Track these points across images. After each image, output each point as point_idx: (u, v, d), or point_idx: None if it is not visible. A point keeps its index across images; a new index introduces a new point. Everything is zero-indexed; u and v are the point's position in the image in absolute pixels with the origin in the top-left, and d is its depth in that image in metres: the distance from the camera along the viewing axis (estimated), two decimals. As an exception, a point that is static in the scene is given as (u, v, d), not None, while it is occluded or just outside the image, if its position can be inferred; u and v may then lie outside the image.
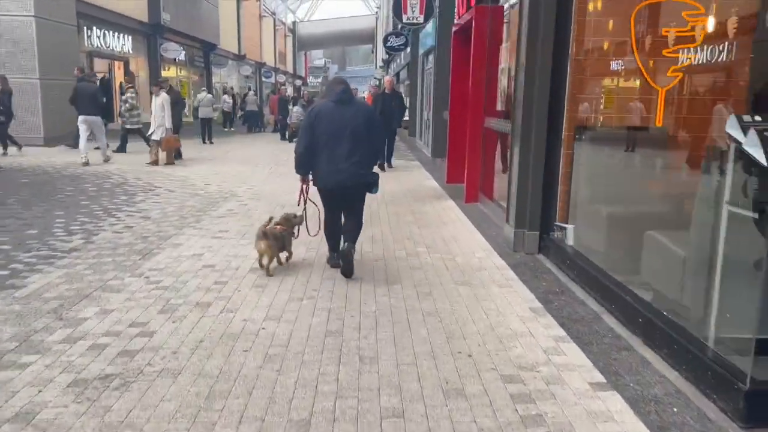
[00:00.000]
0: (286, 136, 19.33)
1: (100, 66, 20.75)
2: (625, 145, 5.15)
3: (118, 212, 7.56)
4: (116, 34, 21.55)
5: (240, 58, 37.96)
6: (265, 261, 5.01)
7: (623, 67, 4.96)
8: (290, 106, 19.76)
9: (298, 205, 5.33)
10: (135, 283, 4.80)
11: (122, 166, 12.06)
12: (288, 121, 18.96)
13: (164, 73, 26.33)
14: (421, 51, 16.92)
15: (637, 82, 4.97)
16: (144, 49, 24.46)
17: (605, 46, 5.21)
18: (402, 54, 24.31)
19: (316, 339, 3.71)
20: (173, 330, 3.85)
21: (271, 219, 5.26)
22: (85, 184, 9.77)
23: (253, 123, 23.95)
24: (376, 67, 56.65)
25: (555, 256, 5.32)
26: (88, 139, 12.27)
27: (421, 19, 12.61)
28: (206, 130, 17.73)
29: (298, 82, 56.72)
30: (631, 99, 5.04)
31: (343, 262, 4.86)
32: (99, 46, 20.29)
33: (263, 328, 3.87)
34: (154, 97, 12.37)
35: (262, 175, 11.37)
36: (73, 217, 7.19)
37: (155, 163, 12.20)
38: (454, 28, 10.07)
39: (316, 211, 5.25)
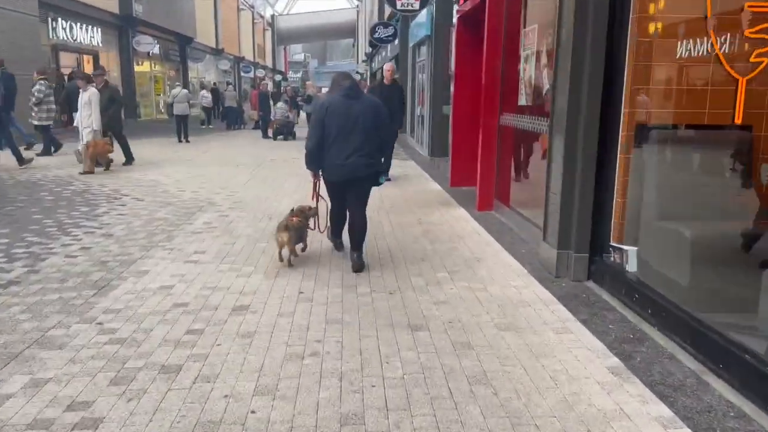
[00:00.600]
0: (268, 134, 18.13)
1: (66, 60, 19.35)
2: (700, 147, 4.14)
3: (75, 228, 6.37)
4: (84, 26, 20.13)
5: (218, 52, 36.53)
6: (285, 253, 5.06)
7: (696, 52, 3.93)
8: (272, 102, 18.57)
9: (312, 199, 5.38)
10: (83, 333, 3.67)
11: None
12: (271, 118, 17.76)
13: (138, 68, 24.96)
14: (411, 42, 15.82)
15: (715, 70, 3.96)
16: (115, 43, 23.05)
17: (673, 25, 4.17)
18: (389, 46, 23.19)
19: (328, 430, 2.63)
20: (127, 416, 2.74)
21: (292, 210, 5.29)
22: (41, 192, 8.54)
23: (232, 120, 22.68)
24: (357, 62, 55.36)
25: (612, 286, 4.28)
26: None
27: (416, 6, 11.54)
28: (182, 127, 16.47)
29: (278, 77, 55.28)
30: (707, 90, 4.03)
31: (354, 267, 4.94)
32: (65, 38, 18.87)
33: (252, 412, 2.78)
34: (81, 92, 10.32)
35: (243, 178, 10.21)
36: (19, 237, 6.00)
37: (90, 171, 10.27)
38: (456, 15, 9.01)
39: (325, 207, 5.36)
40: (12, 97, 11.59)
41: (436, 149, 11.44)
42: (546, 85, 5.48)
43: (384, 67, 9.70)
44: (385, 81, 9.46)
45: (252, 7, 47.70)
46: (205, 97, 24.06)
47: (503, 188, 7.09)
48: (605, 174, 4.42)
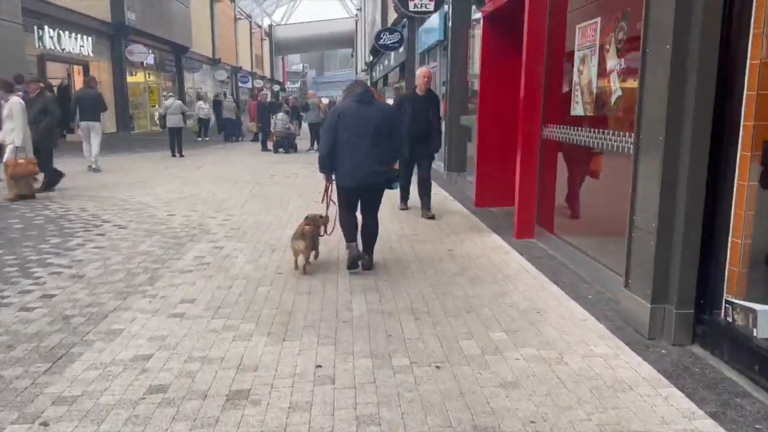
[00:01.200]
0: (268, 146, 17.07)
1: (54, 71, 18.31)
2: None
3: (39, 268, 5.28)
4: (74, 34, 19.11)
5: (214, 62, 35.57)
6: (300, 261, 5.09)
7: None
8: (271, 114, 17.54)
9: (322, 202, 5.34)
10: (15, 446, 2.58)
11: (72, 190, 9.72)
12: (271, 129, 16.71)
13: (131, 78, 23.95)
14: (419, 49, 14.81)
15: None
16: (107, 52, 22.03)
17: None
18: (393, 54, 22.21)
19: None
20: None
21: (306, 217, 5.32)
22: (10, 219, 7.45)
23: (230, 132, 21.61)
24: (357, 71, 54.50)
25: (734, 357, 3.20)
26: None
27: (431, 7, 10.51)
28: (175, 141, 15.39)
29: (276, 87, 54.34)
30: None
31: (364, 268, 5.08)
32: (52, 48, 17.84)
33: None
34: (2, 102, 8.78)
35: (241, 197, 9.13)
36: (-32, 280, 4.91)
37: (18, 198, 8.59)
38: (480, 14, 7.98)
39: (335, 212, 5.34)
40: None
41: (453, 163, 10.39)
42: (616, 91, 4.42)
43: (418, 73, 7.79)
44: (418, 91, 7.36)
45: (249, 16, 46.84)
46: (202, 108, 23.01)
47: (546, 212, 6.03)
48: (718, 206, 3.35)
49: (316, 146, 17.33)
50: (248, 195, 9.41)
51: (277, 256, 5.69)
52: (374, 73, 35.53)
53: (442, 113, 12.43)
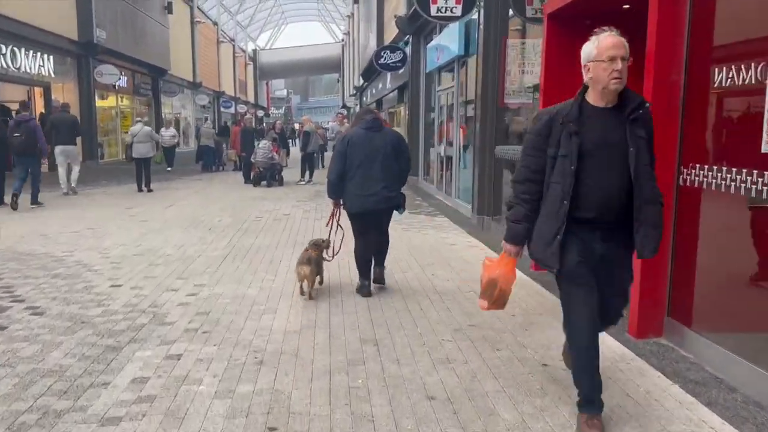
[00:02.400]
0: (251, 178, 14.85)
1: (9, 93, 16.03)
2: None
3: None
4: (33, 53, 16.86)
5: (195, 86, 33.41)
6: (306, 287, 5.01)
7: None
8: (256, 141, 15.39)
9: (327, 226, 5.40)
10: None
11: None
12: (252, 159, 14.47)
13: (101, 102, 21.70)
14: (428, 68, 12.81)
15: None
16: (73, 73, 19.78)
17: None
18: (388, 76, 20.25)
19: None
20: None
21: (310, 242, 5.36)
22: None
23: (209, 161, 19.32)
24: (344, 97, 52.72)
25: None
26: None
27: (457, 11, 8.46)
28: (142, 173, 13.09)
29: (260, 113, 52.29)
30: None
31: (375, 282, 5.21)
32: (6, 67, 15.55)
33: None
34: None
35: (216, 253, 6.91)
36: None
37: None
38: (543, 13, 5.95)
39: (340, 235, 5.31)
40: None
41: (484, 205, 8.26)
42: None
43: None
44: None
45: (233, 40, 44.93)
46: (164, 136, 19.95)
47: (682, 297, 3.89)
48: None
49: (308, 177, 15.17)
50: (226, 248, 7.18)
51: (265, 377, 3.48)
52: (365, 98, 33.63)
53: (460, 140, 10.46)
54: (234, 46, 45.00)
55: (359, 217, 5.09)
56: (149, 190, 13.06)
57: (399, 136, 5.30)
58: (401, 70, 15.09)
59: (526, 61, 7.72)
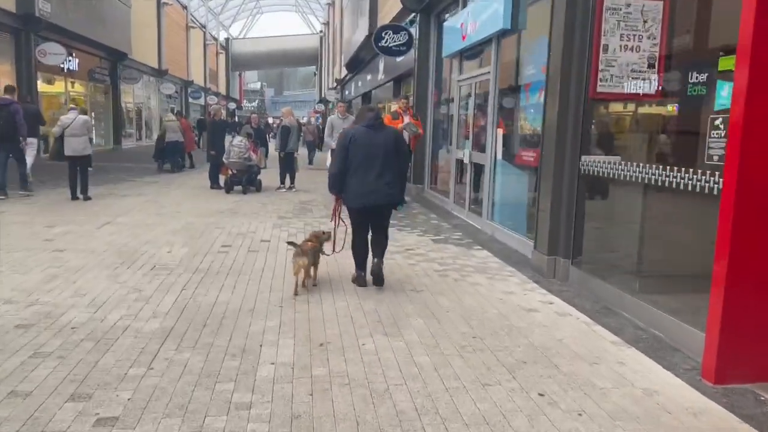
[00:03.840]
0: (219, 182, 11.95)
1: None
2: None
3: None
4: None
5: (160, 73, 30.12)
6: (301, 277, 4.93)
7: None
8: (229, 136, 12.52)
9: (331, 221, 5.44)
10: None
11: None
12: (225, 159, 11.54)
13: (45, 87, 18.52)
14: (447, 51, 10.11)
15: None
16: (10, 51, 16.56)
17: None
18: (381, 65, 17.49)
19: None
20: None
21: (311, 233, 5.30)
22: None
23: (174, 160, 16.23)
24: (322, 91, 49.66)
25: None
26: None
27: None
28: (77, 176, 10.03)
29: (232, 105, 48.93)
30: None
31: (374, 277, 5.15)
32: None
33: None
34: None
35: (154, 326, 4.11)
36: None
37: None
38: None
39: (341, 231, 5.34)
40: None
41: (558, 242, 5.61)
42: None
43: None
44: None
45: (204, 27, 41.54)
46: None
47: None
48: None
49: (288, 182, 12.35)
50: (171, 314, 4.38)
51: None
52: (347, 92, 30.77)
53: (496, 143, 7.88)
54: (205, 33, 41.63)
55: (359, 212, 5.15)
56: (86, 198, 10.07)
57: (399, 135, 5.40)
58: (401, 57, 12.35)
59: (633, 33, 5.13)
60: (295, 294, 4.84)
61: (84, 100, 21.43)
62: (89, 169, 10.46)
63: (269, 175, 12.96)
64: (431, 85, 11.52)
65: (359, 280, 5.20)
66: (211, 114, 12.87)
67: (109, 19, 22.22)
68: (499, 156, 7.83)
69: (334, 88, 34.36)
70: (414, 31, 11.82)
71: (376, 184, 4.98)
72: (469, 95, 9.24)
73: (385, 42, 11.86)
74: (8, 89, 11.02)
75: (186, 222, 8.26)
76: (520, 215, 7.38)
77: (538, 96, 6.86)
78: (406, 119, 9.52)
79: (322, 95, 47.23)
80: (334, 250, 5.40)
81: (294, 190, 12.26)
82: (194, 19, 38.32)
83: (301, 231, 7.72)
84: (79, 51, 20.68)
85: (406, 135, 8.99)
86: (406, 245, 7.03)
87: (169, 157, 16.04)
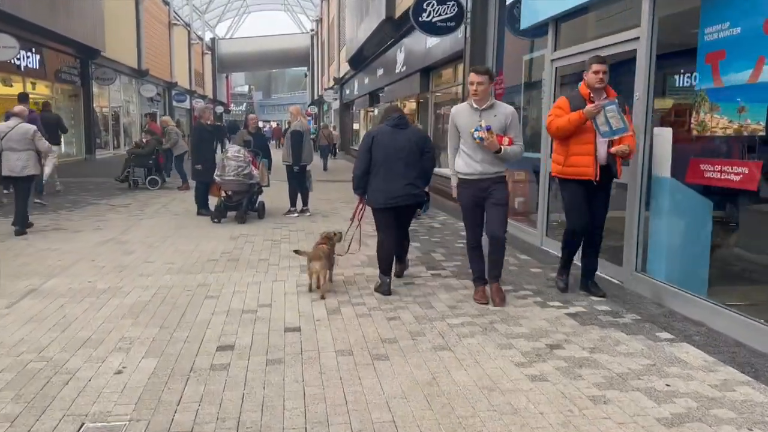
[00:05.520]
0: (209, 206, 8.84)
1: None
2: None
3: None
4: None
5: (141, 74, 26.83)
6: (314, 281, 4.83)
7: None
8: (219, 144, 9.39)
9: (351, 221, 5.36)
10: None
11: None
12: (217, 177, 8.36)
13: (0, 88, 15.24)
14: (529, 20, 7.08)
15: None
16: (-53, 44, 13.32)
17: None
18: (399, 56, 14.42)
19: None
20: None
21: (321, 235, 5.18)
22: None
23: (158, 174, 12.99)
24: (312, 93, 46.47)
25: None
26: None
27: None
28: (20, 201, 6.86)
29: (220, 109, 45.62)
30: None
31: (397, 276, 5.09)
32: None
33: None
34: None
35: None
36: None
37: None
38: None
39: (357, 233, 5.32)
40: None
41: None
42: None
43: None
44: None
45: (188, 25, 38.23)
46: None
47: None
48: None
49: (300, 204, 9.25)
50: None
51: None
52: (347, 91, 27.67)
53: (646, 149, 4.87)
54: (189, 31, 38.31)
55: (383, 212, 4.92)
56: (19, 232, 6.92)
57: (424, 135, 5.22)
58: (448, 34, 9.28)
59: None
60: (309, 290, 4.85)
61: (47, 102, 18.12)
62: (37, 201, 7.49)
63: (271, 193, 9.88)
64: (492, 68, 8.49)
65: (383, 287, 4.88)
66: (197, 116, 9.57)
67: (78, 11, 18.93)
68: (663, 171, 4.81)
69: (332, 88, 31.25)
70: (466, 0, 8.79)
71: (400, 184, 4.80)
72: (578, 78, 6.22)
73: (428, 16, 8.80)
74: (21, 98, 10.14)
75: (159, 286, 5.11)
76: (701, 267, 4.41)
77: (751, 73, 3.92)
78: (601, 119, 4.57)
79: (315, 97, 44.08)
80: (347, 250, 5.42)
81: (308, 214, 9.17)
82: (177, 16, 35.03)
83: (347, 301, 4.67)
84: (42, 46, 17.45)
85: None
86: (537, 331, 4.00)
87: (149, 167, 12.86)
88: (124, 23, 24.92)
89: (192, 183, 9.52)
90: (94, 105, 22.07)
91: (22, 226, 7.13)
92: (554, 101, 6.44)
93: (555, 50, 6.64)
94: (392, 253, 5.00)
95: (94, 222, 8.33)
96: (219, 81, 51.11)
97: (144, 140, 13.07)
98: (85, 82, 20.99)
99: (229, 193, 8.33)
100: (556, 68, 6.60)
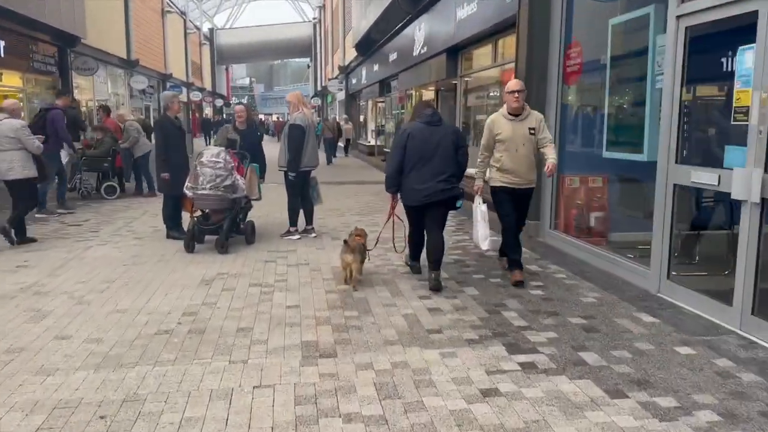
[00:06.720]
0: (181, 227, 6.63)
1: None
2: None
3: None
4: None
5: (130, 64, 24.57)
6: (347, 272, 4.79)
7: None
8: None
9: (387, 220, 5.29)
10: None
11: None
12: (187, 190, 6.08)
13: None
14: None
15: None
16: None
17: None
18: (418, 32, 12.13)
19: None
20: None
21: (355, 228, 5.14)
22: None
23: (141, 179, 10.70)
24: (315, 85, 44.11)
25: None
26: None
27: None
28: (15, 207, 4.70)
29: (219, 102, 43.33)
30: None
31: (433, 290, 4.77)
32: None
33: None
34: None
35: None
36: None
37: None
38: None
39: (403, 228, 5.26)
40: None
41: None
42: None
43: None
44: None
45: (184, 14, 35.86)
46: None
47: None
48: None
49: (304, 223, 7.01)
50: None
51: None
52: (353, 80, 25.35)
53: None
54: (185, 20, 35.95)
55: (416, 210, 4.96)
56: (12, 240, 4.80)
57: (458, 130, 5.22)
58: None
59: None
60: (345, 282, 4.83)
61: (18, 95, 15.90)
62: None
63: (264, 208, 7.64)
64: (560, 42, 6.21)
65: (414, 269, 5.25)
66: (166, 107, 7.08)
67: (52, -7, 16.68)
68: None
69: (336, 78, 28.93)
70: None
71: (433, 181, 4.74)
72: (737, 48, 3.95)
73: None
74: (60, 93, 10.40)
75: (52, 407, 2.89)
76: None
77: None
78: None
79: (318, 88, 41.75)
80: (376, 244, 5.41)
81: (313, 235, 6.94)
82: (171, 3, 32.69)
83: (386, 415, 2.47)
84: (8, 31, 15.21)
85: None
86: None
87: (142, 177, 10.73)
88: (109, 9, 22.64)
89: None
90: (76, 97, 19.85)
91: (18, 235, 6.37)
92: (682, 75, 4.21)
93: (680, 3, 4.37)
94: (422, 242, 5.11)
95: (22, 253, 6.08)
96: (218, 73, 48.78)
97: (96, 138, 10.77)
98: (63, 73, 18.75)
99: (205, 211, 6.10)
100: (685, 28, 4.32)
